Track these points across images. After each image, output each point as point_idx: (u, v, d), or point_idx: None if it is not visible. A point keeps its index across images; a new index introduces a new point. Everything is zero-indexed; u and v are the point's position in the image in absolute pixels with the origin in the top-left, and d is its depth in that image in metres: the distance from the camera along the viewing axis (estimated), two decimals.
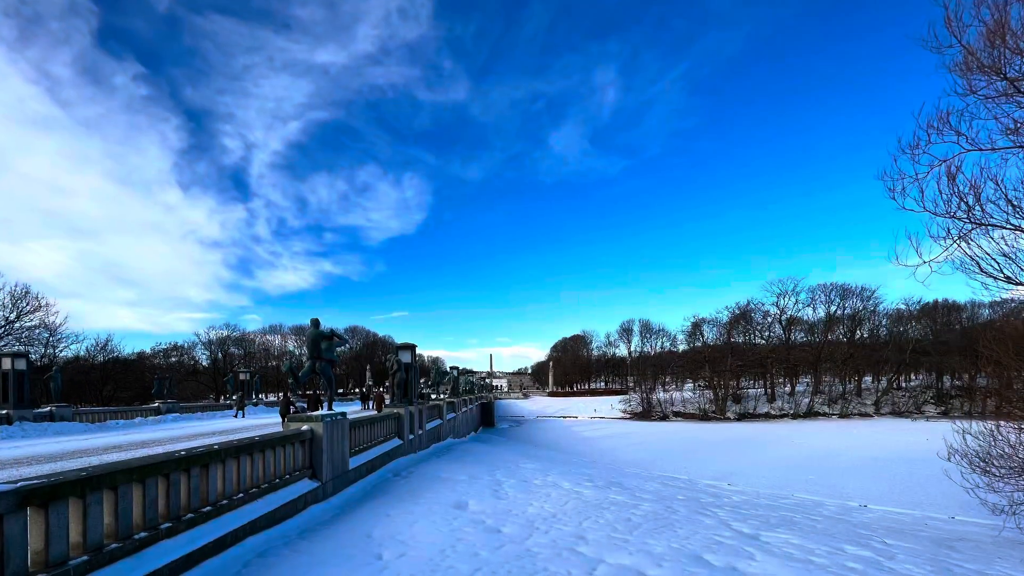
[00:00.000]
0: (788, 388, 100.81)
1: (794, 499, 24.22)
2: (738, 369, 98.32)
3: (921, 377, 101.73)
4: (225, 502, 9.34)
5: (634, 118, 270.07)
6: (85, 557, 6.39)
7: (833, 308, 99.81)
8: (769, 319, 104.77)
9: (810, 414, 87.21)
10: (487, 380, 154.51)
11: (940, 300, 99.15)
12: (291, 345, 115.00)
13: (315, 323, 16.94)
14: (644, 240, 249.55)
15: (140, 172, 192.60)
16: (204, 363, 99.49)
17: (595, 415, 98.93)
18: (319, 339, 16.56)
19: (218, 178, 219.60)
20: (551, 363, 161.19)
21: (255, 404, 51.34)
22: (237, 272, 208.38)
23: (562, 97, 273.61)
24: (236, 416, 41.70)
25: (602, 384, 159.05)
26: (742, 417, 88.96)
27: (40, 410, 30.64)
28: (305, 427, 12.97)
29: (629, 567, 9.15)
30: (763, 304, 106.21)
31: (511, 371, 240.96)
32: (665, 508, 15.34)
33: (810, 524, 14.84)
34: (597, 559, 9.56)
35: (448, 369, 60.08)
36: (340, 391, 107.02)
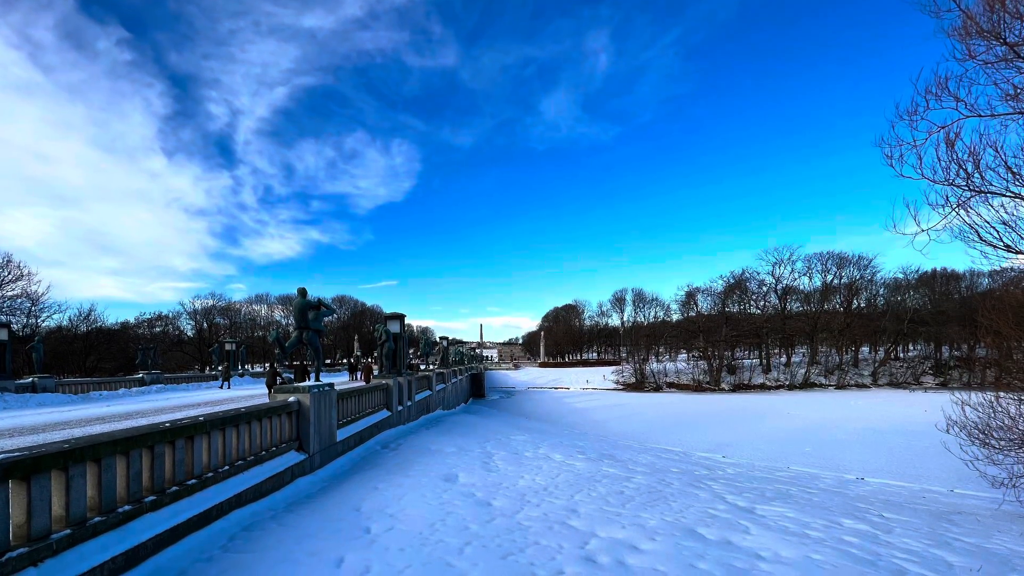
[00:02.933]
0: (784, 359, 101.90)
1: (790, 471, 24.62)
2: (733, 339, 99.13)
3: (919, 347, 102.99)
4: (211, 475, 9.38)
5: (626, 84, 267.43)
6: (68, 531, 6.43)
7: (830, 277, 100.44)
8: (764, 288, 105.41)
9: (806, 385, 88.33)
10: (477, 351, 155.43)
11: (938, 269, 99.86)
12: (278, 315, 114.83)
13: (302, 292, 16.77)
14: (637, 208, 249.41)
15: (124, 139, 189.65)
16: (189, 333, 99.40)
17: (587, 386, 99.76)
18: (306, 309, 16.44)
19: (203, 145, 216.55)
20: (542, 333, 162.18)
21: (241, 375, 51.41)
22: (223, 240, 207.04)
23: (553, 63, 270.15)
24: (222, 387, 41.77)
25: (594, 355, 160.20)
26: (737, 388, 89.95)
27: (22, 381, 30.53)
28: (292, 398, 12.99)
29: (622, 541, 9.29)
30: (758, 273, 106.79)
31: (502, 341, 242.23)
32: (658, 481, 15.55)
33: (806, 497, 15.10)
34: (589, 533, 9.69)
35: (437, 339, 60.28)
36: (327, 362, 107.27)
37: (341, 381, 45.48)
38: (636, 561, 8.36)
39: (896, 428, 42.18)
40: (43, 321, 59.73)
